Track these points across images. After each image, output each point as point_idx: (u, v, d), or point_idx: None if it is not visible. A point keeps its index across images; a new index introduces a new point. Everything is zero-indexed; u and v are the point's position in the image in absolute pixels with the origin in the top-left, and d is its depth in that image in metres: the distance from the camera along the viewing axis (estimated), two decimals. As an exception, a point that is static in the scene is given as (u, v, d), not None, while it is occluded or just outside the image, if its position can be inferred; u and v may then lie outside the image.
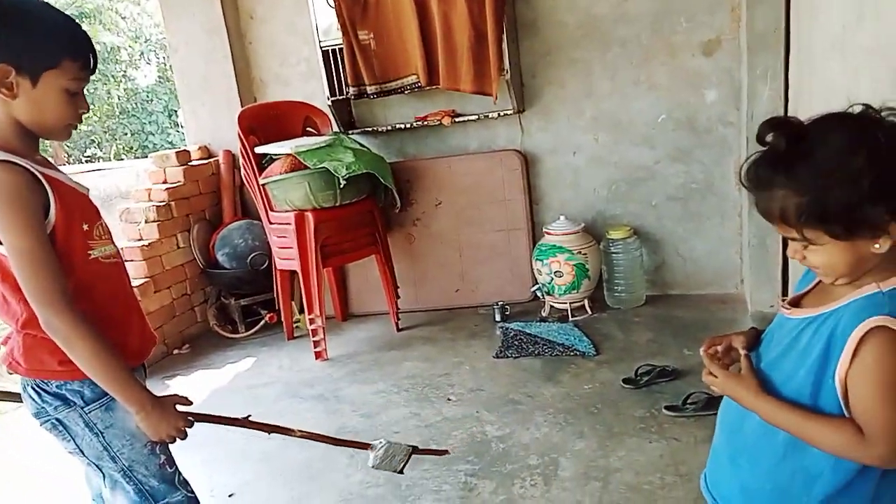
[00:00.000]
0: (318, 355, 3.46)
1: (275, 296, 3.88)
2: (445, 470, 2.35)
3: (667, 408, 2.52)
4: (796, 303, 1.12)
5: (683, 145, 3.50)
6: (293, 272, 3.65)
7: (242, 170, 3.72)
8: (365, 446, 1.65)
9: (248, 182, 3.70)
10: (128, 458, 1.43)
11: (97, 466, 1.44)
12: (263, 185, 3.53)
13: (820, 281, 1.10)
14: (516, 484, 2.22)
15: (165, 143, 11.17)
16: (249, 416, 1.57)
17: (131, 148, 11.43)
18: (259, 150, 3.56)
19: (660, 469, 2.19)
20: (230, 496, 2.37)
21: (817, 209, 0.93)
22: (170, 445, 1.47)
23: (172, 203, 3.92)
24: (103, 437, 1.41)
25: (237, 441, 2.75)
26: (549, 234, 3.56)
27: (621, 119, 3.58)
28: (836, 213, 0.92)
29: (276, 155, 3.53)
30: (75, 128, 1.39)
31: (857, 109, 0.97)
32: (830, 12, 1.70)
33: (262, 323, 3.96)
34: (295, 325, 3.86)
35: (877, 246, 0.94)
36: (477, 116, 3.71)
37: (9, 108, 1.27)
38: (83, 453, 1.43)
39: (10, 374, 1.43)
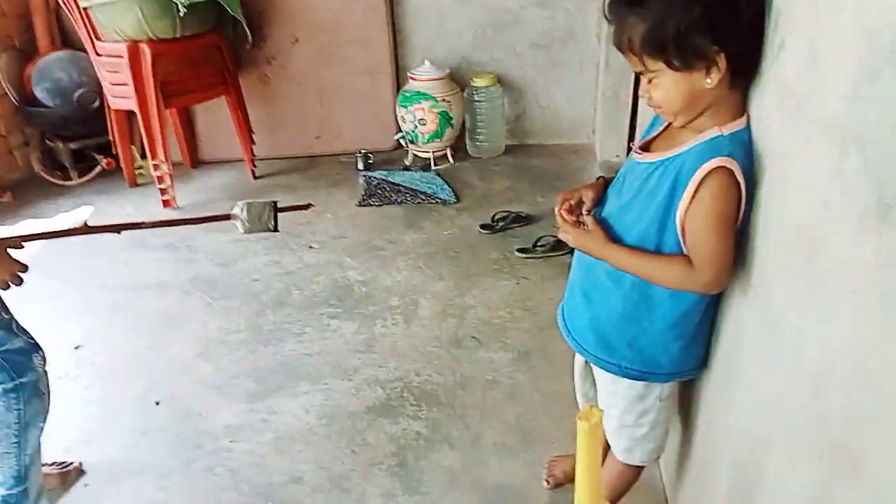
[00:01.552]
0: (165, 203, 3.24)
1: (111, 139, 3.49)
2: (308, 313, 2.39)
3: (519, 250, 2.68)
4: (646, 148, 1.18)
5: (549, -10, 3.44)
6: (131, 113, 3.28)
7: (56, -12, 3.15)
8: (226, 217, 1.53)
9: (65, 5, 3.15)
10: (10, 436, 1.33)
11: None
12: (85, 8, 3.03)
13: (667, 127, 1.16)
14: (378, 324, 2.31)
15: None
16: (86, 221, 1.44)
17: None
18: (76, -37, 3.00)
19: (510, 304, 2.37)
20: (77, 348, 2.25)
21: (655, 36, 0.98)
22: (2, 292, 1.34)
23: (-32, 25, 3.28)
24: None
25: (82, 294, 2.59)
26: (413, 79, 3.45)
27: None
28: (671, 39, 0.97)
29: (97, -28, 3.00)
30: None
31: None
32: None
33: (98, 169, 3.58)
34: (137, 172, 3.54)
35: (708, 81, 0.99)
36: (336, -58, 3.35)
37: None
38: None
39: None
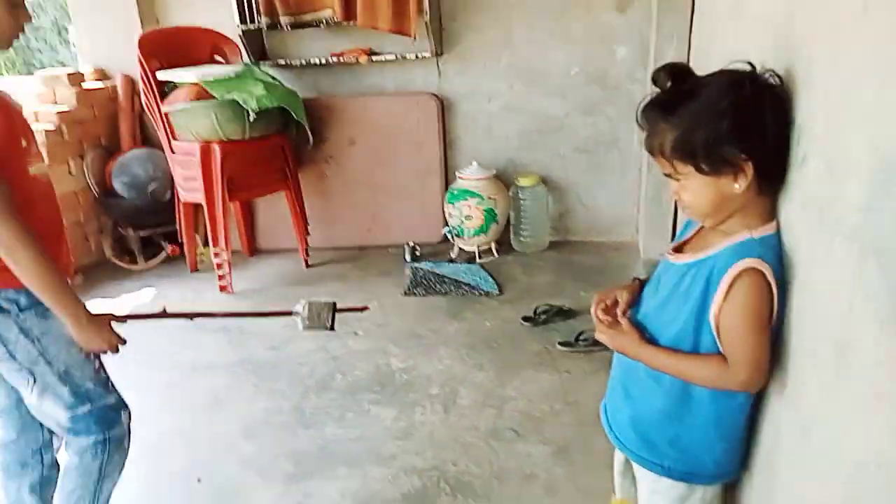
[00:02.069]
0: (222, 288, 3.41)
1: (177, 228, 3.75)
2: (350, 399, 2.43)
3: (560, 343, 2.69)
4: (679, 250, 1.24)
5: (593, 99, 3.63)
6: (198, 205, 3.53)
7: (143, 96, 3.51)
8: (287, 313, 1.68)
9: (148, 109, 3.50)
10: (64, 361, 1.47)
11: (29, 372, 1.45)
12: (166, 113, 3.36)
13: (700, 230, 1.22)
14: (417, 411, 2.33)
15: (55, 62, 10.22)
16: (165, 308, 1.62)
17: (13, 64, 10.39)
18: (162, 75, 3.37)
19: (550, 398, 2.37)
20: (129, 425, 2.34)
21: (685, 143, 1.04)
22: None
23: (63, 126, 3.66)
24: (40, 343, 1.44)
25: (139, 372, 2.70)
26: (461, 178, 3.63)
27: (536, 69, 3.65)
28: (700, 146, 1.03)
29: (180, 82, 3.35)
30: (17, 38, 1.41)
31: (742, 66, 1.09)
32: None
33: (163, 255, 3.83)
34: (199, 259, 3.76)
35: (736, 186, 1.05)
36: (394, 56, 3.66)
37: None
38: (14, 359, 1.44)
39: None
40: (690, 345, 1.13)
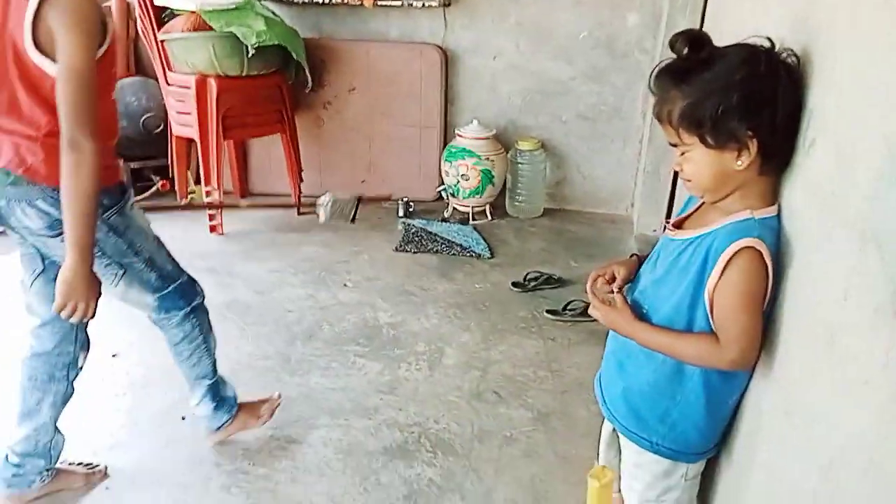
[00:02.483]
0: (212, 229, 3.38)
1: (169, 162, 3.68)
2: (336, 349, 2.44)
3: (548, 311, 2.71)
4: (679, 225, 1.23)
5: (600, 65, 3.57)
6: (191, 140, 3.46)
7: (139, 21, 3.38)
8: (311, 204, 1.82)
9: (144, 36, 3.38)
10: (148, 250, 1.63)
11: (119, 265, 1.58)
12: (162, 41, 3.25)
13: (700, 206, 1.22)
14: (402, 367, 2.35)
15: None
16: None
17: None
18: (160, 1, 3.24)
19: (535, 364, 2.40)
20: (114, 356, 2.35)
21: (693, 112, 1.04)
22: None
23: (55, 46, 3.53)
24: (126, 236, 1.57)
25: (123, 306, 2.68)
26: (460, 136, 3.58)
27: (544, 29, 3.56)
28: (707, 117, 1.02)
29: (178, 10, 3.23)
30: None
31: (762, 42, 1.07)
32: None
33: (153, 189, 3.76)
34: (189, 196, 3.70)
35: (739, 162, 1.04)
36: (401, 2, 3.56)
37: None
38: (105, 255, 1.54)
39: (16, 178, 1.42)
40: (685, 321, 1.13)
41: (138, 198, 3.74)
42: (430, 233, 3.45)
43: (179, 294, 1.72)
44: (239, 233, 3.42)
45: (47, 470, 1.72)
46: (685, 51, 1.04)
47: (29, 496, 1.71)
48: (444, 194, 3.72)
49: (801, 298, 1.01)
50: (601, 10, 3.47)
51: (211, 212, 3.36)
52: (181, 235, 3.34)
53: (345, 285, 2.92)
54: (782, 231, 1.09)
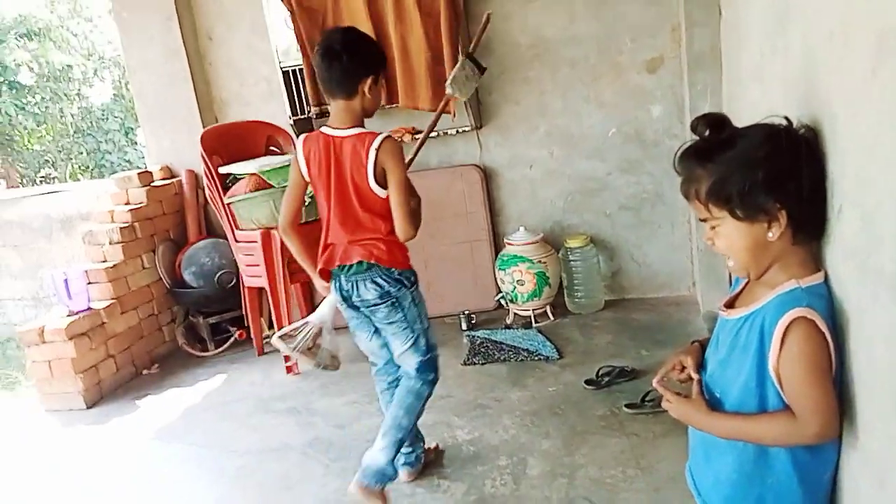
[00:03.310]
0: (288, 370, 3.52)
1: (243, 313, 3.92)
2: (419, 475, 2.44)
3: (627, 405, 2.66)
4: (731, 304, 1.26)
5: (633, 157, 3.69)
6: (261, 289, 3.70)
7: (206, 189, 3.76)
8: (447, 103, 2.61)
9: (212, 202, 3.74)
10: (426, 322, 2.23)
11: (411, 329, 2.17)
12: (228, 204, 3.58)
13: (747, 283, 1.25)
14: (487, 484, 2.33)
15: (123, 161, 10.98)
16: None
17: (87, 167, 11.20)
18: (223, 169, 3.61)
19: (622, 463, 2.33)
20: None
21: (721, 189, 1.09)
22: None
23: (136, 224, 3.94)
24: (420, 307, 2.19)
25: (214, 458, 2.80)
26: (510, 244, 3.70)
27: (573, 134, 3.75)
28: (735, 193, 1.07)
29: (240, 174, 3.58)
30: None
31: (778, 121, 1.14)
32: (751, 41, 1.89)
33: (231, 340, 3.99)
34: (265, 342, 3.90)
35: (770, 234, 1.08)
36: (437, 133, 3.83)
37: (363, 102, 2.07)
38: (405, 319, 2.15)
39: (367, 264, 2.10)
40: (756, 400, 1.12)
41: (219, 350, 3.97)
42: (496, 342, 3.49)
43: (431, 364, 2.26)
44: (314, 370, 3.54)
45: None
46: (707, 132, 1.12)
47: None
48: (503, 302, 3.79)
49: (864, 364, 1.01)
50: (625, 107, 3.64)
51: (285, 354, 3.52)
52: (260, 381, 3.52)
53: (420, 407, 2.96)
54: (833, 297, 1.10)
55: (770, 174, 1.06)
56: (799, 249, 1.12)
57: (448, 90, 2.27)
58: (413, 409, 2.21)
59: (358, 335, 2.32)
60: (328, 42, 2.02)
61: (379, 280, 2.09)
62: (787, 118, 1.15)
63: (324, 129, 2.10)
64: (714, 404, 1.20)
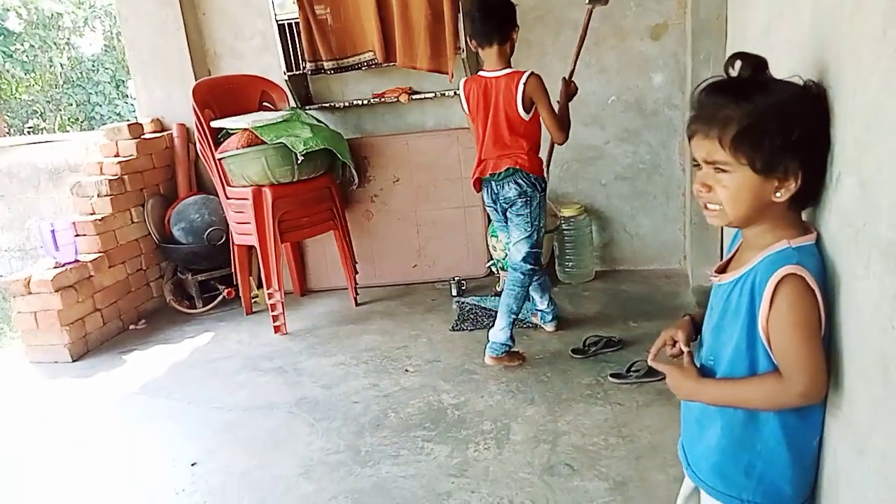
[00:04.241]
0: (277, 329, 3.51)
1: (232, 271, 3.89)
2: (403, 436, 2.46)
3: (612, 375, 2.67)
4: (722, 270, 1.23)
5: (632, 126, 3.65)
6: (251, 247, 3.67)
7: (198, 144, 3.69)
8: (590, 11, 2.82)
9: (203, 156, 3.68)
10: (543, 223, 2.81)
11: (531, 224, 2.76)
12: (220, 159, 3.52)
13: (737, 250, 1.22)
14: (470, 448, 2.34)
15: (113, 114, 10.81)
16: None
17: (76, 119, 11.02)
18: (215, 124, 3.54)
19: (604, 431, 2.35)
20: (193, 465, 2.42)
21: (754, 135, 1.00)
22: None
23: (125, 177, 3.88)
24: (542, 210, 2.78)
25: (200, 414, 2.80)
26: (503, 211, 3.67)
27: (573, 100, 3.67)
28: (766, 146, 1.00)
29: (232, 129, 3.52)
30: None
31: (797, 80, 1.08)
32: (759, 8, 1.84)
33: (219, 298, 3.97)
34: (253, 300, 3.89)
35: (778, 194, 1.04)
36: (434, 94, 3.77)
37: (511, 47, 2.72)
38: (529, 215, 2.75)
39: (513, 169, 2.72)
40: (746, 364, 1.11)
41: (206, 308, 3.95)
42: (485, 308, 3.49)
43: (535, 256, 2.79)
44: (302, 330, 3.55)
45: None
46: (745, 71, 1.03)
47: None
48: (494, 269, 3.78)
49: (852, 329, 0.99)
50: (626, 75, 3.58)
51: (274, 313, 3.51)
52: (248, 339, 3.52)
53: (406, 371, 2.96)
54: (826, 259, 1.08)
55: (805, 135, 1.01)
56: (790, 212, 1.09)
57: (587, 3, 2.70)
58: (519, 297, 2.79)
59: (499, 236, 3.20)
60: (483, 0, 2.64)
61: (520, 181, 2.71)
62: (813, 81, 1.09)
63: (480, 73, 2.72)
64: (707, 374, 1.19)
